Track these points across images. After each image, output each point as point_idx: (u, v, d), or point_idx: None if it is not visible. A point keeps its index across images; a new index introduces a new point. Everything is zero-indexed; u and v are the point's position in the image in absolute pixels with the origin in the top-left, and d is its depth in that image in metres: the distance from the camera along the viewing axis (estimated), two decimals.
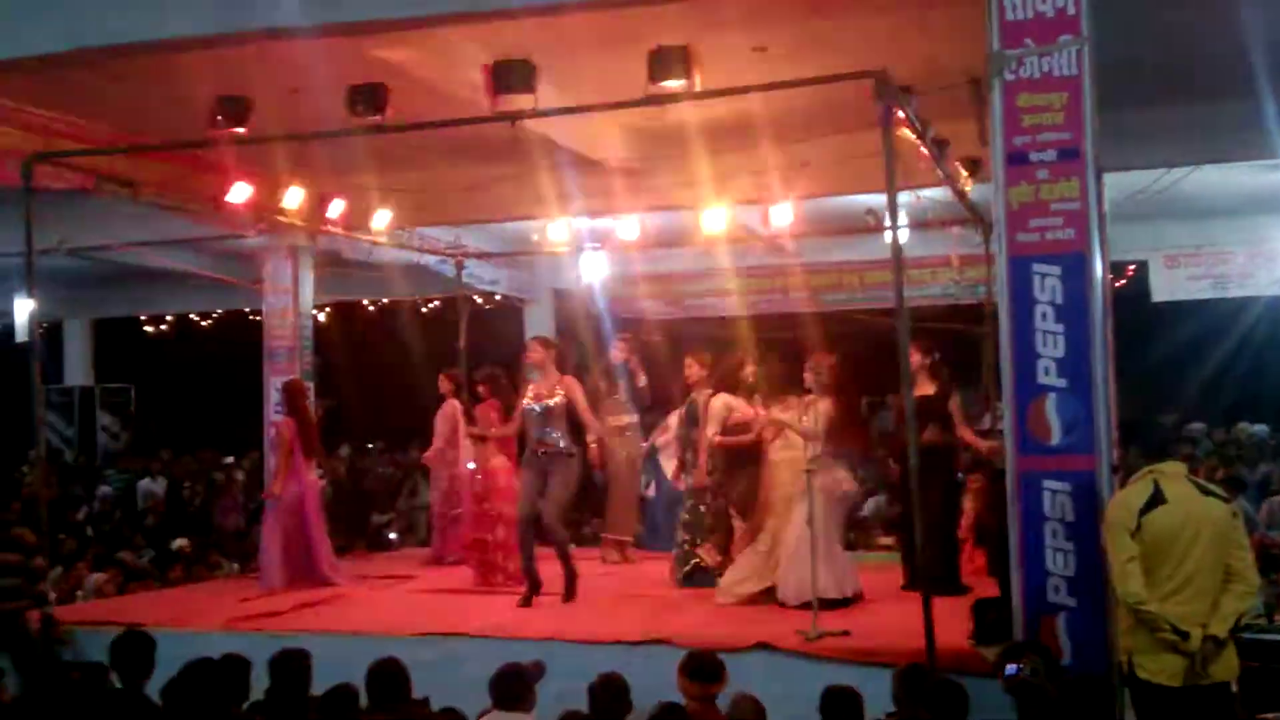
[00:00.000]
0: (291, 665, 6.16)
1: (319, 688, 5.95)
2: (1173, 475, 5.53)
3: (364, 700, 5.81)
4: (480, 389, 10.44)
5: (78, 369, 20.94)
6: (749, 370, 9.15)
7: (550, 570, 9.02)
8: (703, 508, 9.29)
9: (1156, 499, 5.46)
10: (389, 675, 5.74)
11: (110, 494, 17.76)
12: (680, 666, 5.80)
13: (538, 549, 8.99)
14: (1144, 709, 5.55)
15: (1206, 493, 5.54)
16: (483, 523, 9.96)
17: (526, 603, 8.78)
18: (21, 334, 14.53)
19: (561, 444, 8.91)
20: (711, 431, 8.97)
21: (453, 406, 11.11)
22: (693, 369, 9.55)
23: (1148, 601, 5.37)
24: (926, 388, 9.02)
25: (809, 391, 8.53)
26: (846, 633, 7.31)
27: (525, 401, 9.06)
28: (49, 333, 19.73)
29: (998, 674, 5.51)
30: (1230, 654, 5.39)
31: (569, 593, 8.85)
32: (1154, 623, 5.37)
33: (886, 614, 7.98)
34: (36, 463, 8.75)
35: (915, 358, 9.07)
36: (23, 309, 14.11)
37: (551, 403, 8.87)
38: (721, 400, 9.02)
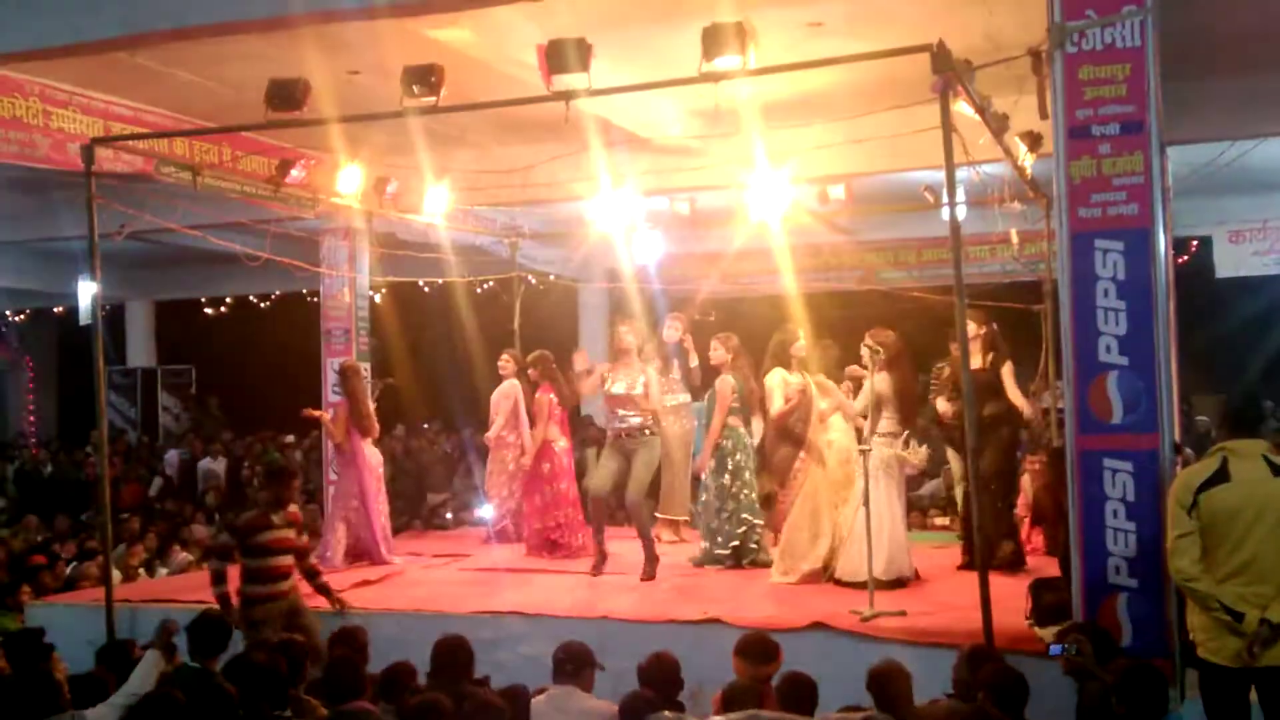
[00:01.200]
0: (349, 643, 6.25)
1: (376, 665, 6.03)
2: (1245, 454, 5.40)
3: (421, 677, 5.87)
4: (530, 372, 10.59)
5: (140, 350, 21.27)
6: (800, 345, 9.07)
7: (618, 548, 9.32)
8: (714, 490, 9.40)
9: (1219, 477, 5.36)
10: (454, 653, 5.80)
11: (177, 461, 18.11)
12: (735, 647, 5.79)
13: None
14: (1206, 687, 5.48)
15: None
16: (554, 502, 10.28)
17: (596, 572, 9.13)
18: (85, 316, 14.76)
19: (644, 426, 9.04)
20: (777, 407, 8.90)
21: (513, 386, 11.16)
22: (717, 352, 9.58)
23: (1198, 579, 5.29)
24: (976, 360, 8.93)
25: (864, 368, 8.48)
26: (902, 613, 7.28)
27: (608, 385, 9.22)
28: (112, 315, 20.04)
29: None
30: None
31: (648, 571, 8.96)
32: (1205, 602, 5.30)
33: (943, 594, 7.93)
34: (99, 443, 8.85)
35: (971, 328, 9.00)
36: (86, 291, 14.33)
37: (638, 389, 9.00)
38: (779, 376, 8.97)
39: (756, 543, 9.32)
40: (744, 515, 9.31)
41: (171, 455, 18.54)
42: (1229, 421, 5.66)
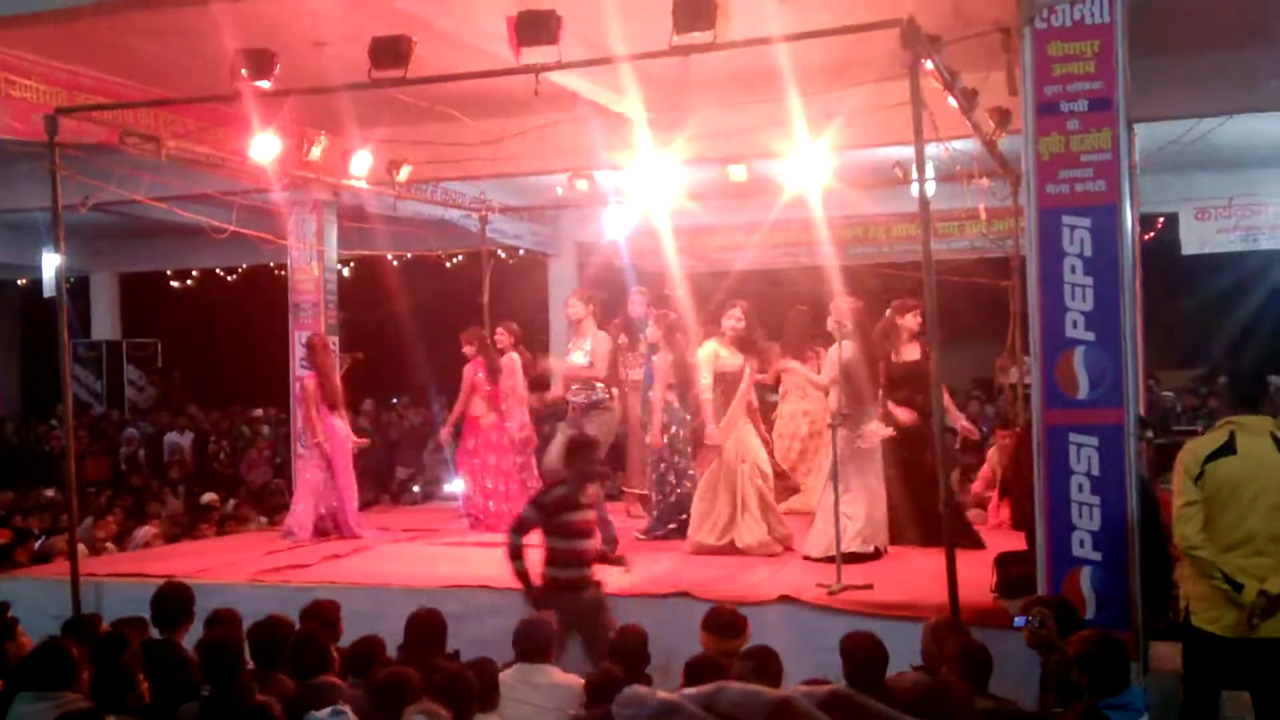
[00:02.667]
0: (321, 617, 6.24)
1: (346, 640, 6.03)
2: (1253, 428, 5.48)
3: (392, 651, 5.87)
4: (466, 348, 10.74)
5: (105, 323, 21.07)
6: (735, 317, 9.05)
7: None
8: (664, 465, 9.43)
9: (1227, 448, 5.44)
10: (427, 627, 5.80)
11: (138, 436, 17.95)
12: (702, 621, 5.82)
13: None
14: (1195, 657, 5.56)
15: None
16: (477, 474, 10.53)
17: None
18: (49, 288, 14.61)
19: (593, 401, 8.96)
20: (704, 381, 8.93)
21: (512, 360, 11.20)
22: (651, 330, 9.63)
23: (1201, 548, 5.37)
24: (913, 351, 8.98)
25: (828, 341, 8.49)
26: (869, 586, 7.32)
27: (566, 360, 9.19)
28: (76, 287, 19.85)
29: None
30: None
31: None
32: (1207, 570, 5.37)
33: (910, 568, 7.99)
34: (64, 416, 8.78)
35: (915, 321, 9.02)
36: (50, 263, 14.18)
37: (582, 359, 8.89)
38: (709, 348, 8.98)
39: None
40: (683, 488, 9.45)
41: (131, 432, 18.35)
42: (1233, 397, 5.72)
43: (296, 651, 5.59)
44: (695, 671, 4.99)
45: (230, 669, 5.33)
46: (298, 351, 12.32)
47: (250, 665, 5.61)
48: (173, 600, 6.28)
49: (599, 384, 9.56)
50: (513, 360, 10.94)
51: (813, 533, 8.37)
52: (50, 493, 14.01)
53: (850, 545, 7.97)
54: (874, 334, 8.76)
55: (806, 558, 8.33)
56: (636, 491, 10.91)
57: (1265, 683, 5.36)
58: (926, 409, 8.65)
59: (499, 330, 11.08)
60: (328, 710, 4.73)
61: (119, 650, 5.67)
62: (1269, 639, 5.31)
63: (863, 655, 5.21)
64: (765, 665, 5.20)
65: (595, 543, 7.07)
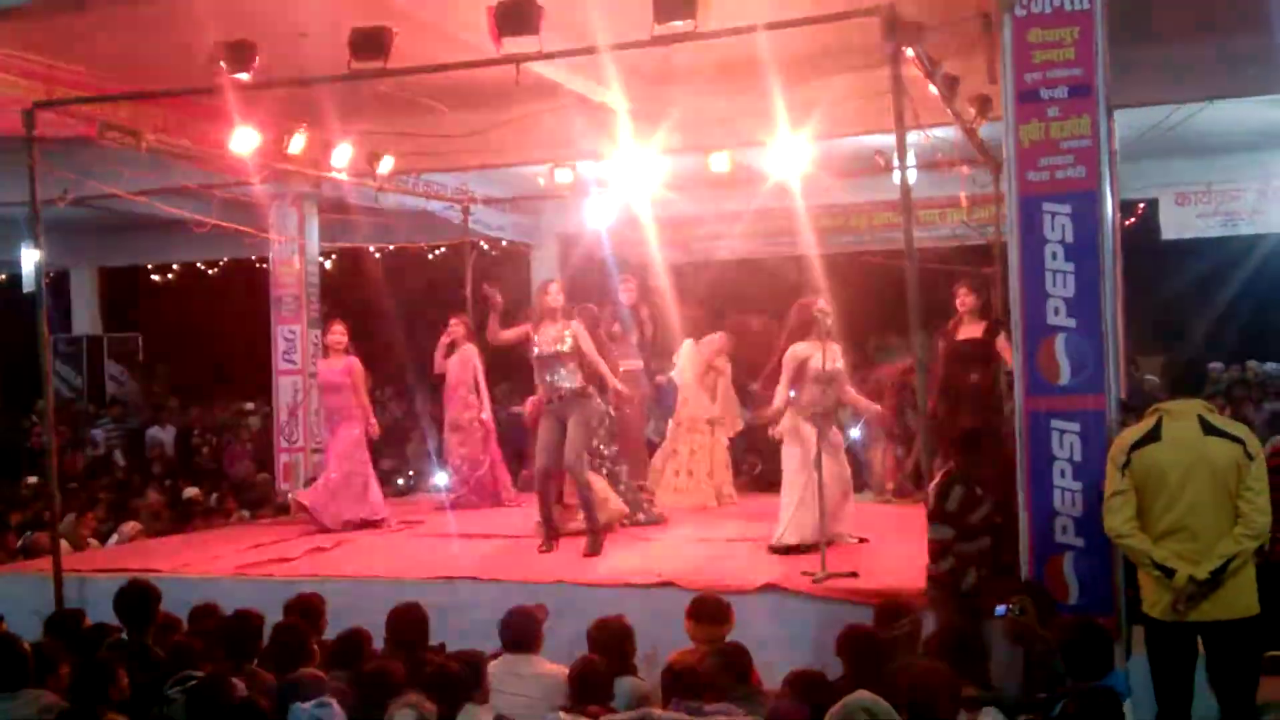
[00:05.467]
0: (304, 610, 6.24)
1: (330, 632, 6.03)
2: (1179, 414, 5.50)
3: (376, 643, 5.87)
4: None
5: (85, 318, 20.95)
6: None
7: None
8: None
9: (1152, 435, 5.47)
10: (409, 620, 5.80)
11: (102, 438, 17.81)
12: (688, 610, 5.84)
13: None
14: (1149, 641, 5.62)
15: (1212, 432, 5.43)
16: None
17: (547, 549, 8.73)
18: (29, 283, 14.53)
19: (578, 388, 8.77)
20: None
21: (470, 352, 11.19)
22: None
23: (1130, 536, 5.44)
24: (974, 330, 9.02)
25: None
26: (854, 574, 7.34)
27: (535, 350, 8.82)
28: (56, 282, 19.72)
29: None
30: (1231, 593, 5.33)
31: (591, 546, 8.53)
32: (1138, 559, 5.44)
33: (895, 555, 8.01)
34: (45, 411, 8.74)
35: (969, 299, 9.12)
36: (29, 258, 14.09)
37: (565, 346, 8.72)
38: (686, 346, 9.20)
39: (643, 503, 9.55)
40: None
41: (97, 434, 18.14)
42: (1170, 383, 5.74)
43: (276, 645, 5.57)
44: (672, 677, 5.00)
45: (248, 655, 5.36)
46: (280, 345, 12.31)
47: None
48: (138, 598, 6.26)
49: (579, 373, 9.49)
50: (469, 351, 10.99)
51: (794, 521, 8.35)
52: (33, 480, 13.91)
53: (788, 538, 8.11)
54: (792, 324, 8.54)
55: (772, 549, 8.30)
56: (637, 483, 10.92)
57: (1218, 665, 5.40)
58: (986, 386, 8.72)
59: (453, 320, 11.12)
60: (312, 703, 4.73)
61: (99, 646, 5.67)
62: (1211, 622, 5.36)
63: (861, 650, 5.24)
64: (734, 660, 5.22)
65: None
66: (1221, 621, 5.37)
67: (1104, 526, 5.57)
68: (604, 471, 9.48)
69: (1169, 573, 5.33)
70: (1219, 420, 5.55)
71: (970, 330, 9.15)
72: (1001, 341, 8.99)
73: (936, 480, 6.41)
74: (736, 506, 10.67)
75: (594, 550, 8.50)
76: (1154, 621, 5.51)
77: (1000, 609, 5.59)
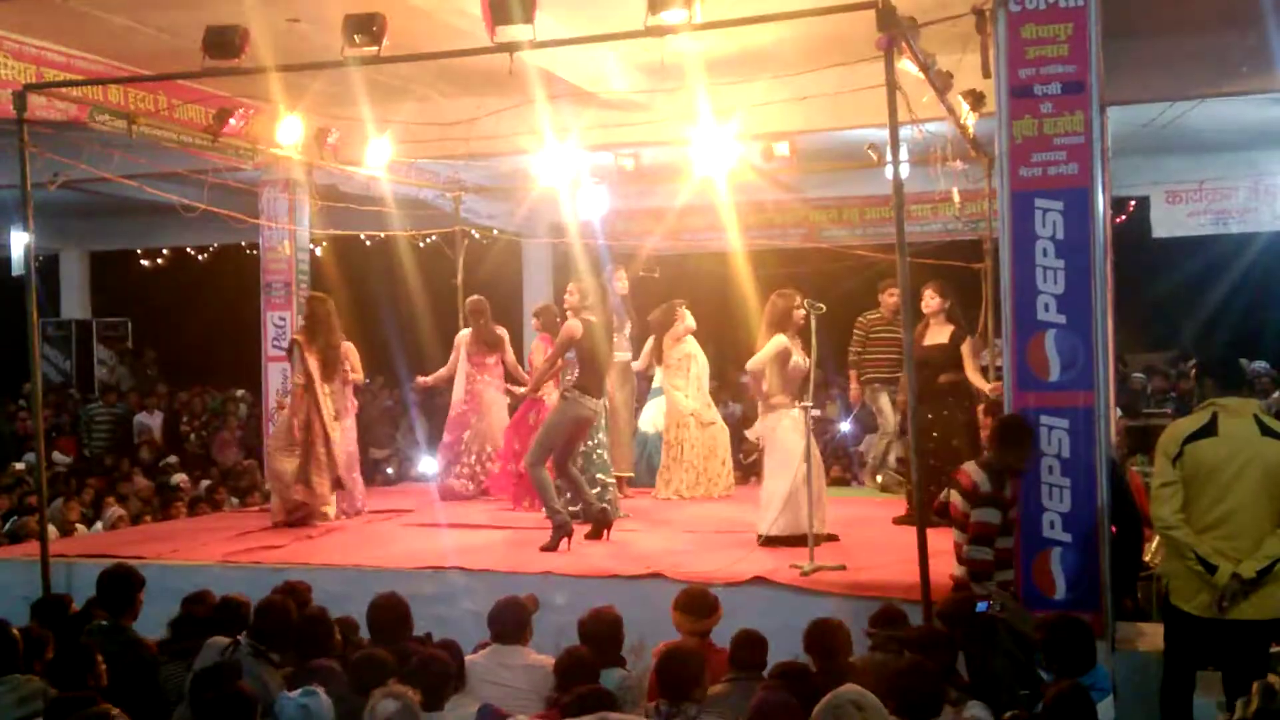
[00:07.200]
0: (294, 598, 6.22)
1: None
2: (1235, 410, 5.52)
3: (364, 631, 5.86)
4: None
5: (74, 302, 20.88)
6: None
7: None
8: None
9: (1207, 430, 5.48)
10: (390, 610, 5.78)
11: (89, 422, 17.71)
12: (675, 602, 5.84)
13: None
14: (1173, 635, 5.63)
15: (1269, 433, 5.46)
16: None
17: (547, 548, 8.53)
18: (18, 267, 14.46)
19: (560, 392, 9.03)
20: None
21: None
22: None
23: (1176, 528, 5.43)
24: (941, 334, 9.00)
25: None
26: (842, 567, 7.36)
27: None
28: (45, 265, 19.65)
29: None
30: (1268, 594, 5.34)
31: (550, 541, 8.35)
32: (1181, 551, 5.42)
33: (883, 548, 8.03)
34: (33, 396, 8.71)
35: (935, 301, 9.08)
36: (19, 241, 14.03)
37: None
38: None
39: (609, 500, 9.40)
40: (597, 475, 9.55)
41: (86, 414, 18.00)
42: (1215, 379, 5.72)
43: (301, 635, 5.53)
44: (664, 669, 4.99)
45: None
46: (270, 331, 12.27)
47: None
48: (120, 583, 6.24)
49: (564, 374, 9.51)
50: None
51: (784, 516, 8.35)
52: (20, 466, 13.86)
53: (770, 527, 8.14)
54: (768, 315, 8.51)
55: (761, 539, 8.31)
56: (621, 475, 10.92)
57: (1236, 663, 5.40)
58: (953, 393, 8.73)
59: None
60: (299, 691, 4.72)
61: (80, 631, 5.66)
62: (1240, 620, 5.36)
63: (825, 641, 5.25)
64: (749, 650, 5.24)
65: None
66: (1252, 621, 5.38)
67: (1151, 515, 5.57)
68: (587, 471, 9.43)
69: (1210, 568, 5.34)
70: (1273, 422, 5.57)
71: (937, 335, 9.06)
72: (966, 348, 9.00)
73: (973, 465, 6.34)
74: (732, 498, 10.68)
75: (550, 545, 8.35)
76: (1184, 615, 5.51)
77: (981, 605, 5.60)
